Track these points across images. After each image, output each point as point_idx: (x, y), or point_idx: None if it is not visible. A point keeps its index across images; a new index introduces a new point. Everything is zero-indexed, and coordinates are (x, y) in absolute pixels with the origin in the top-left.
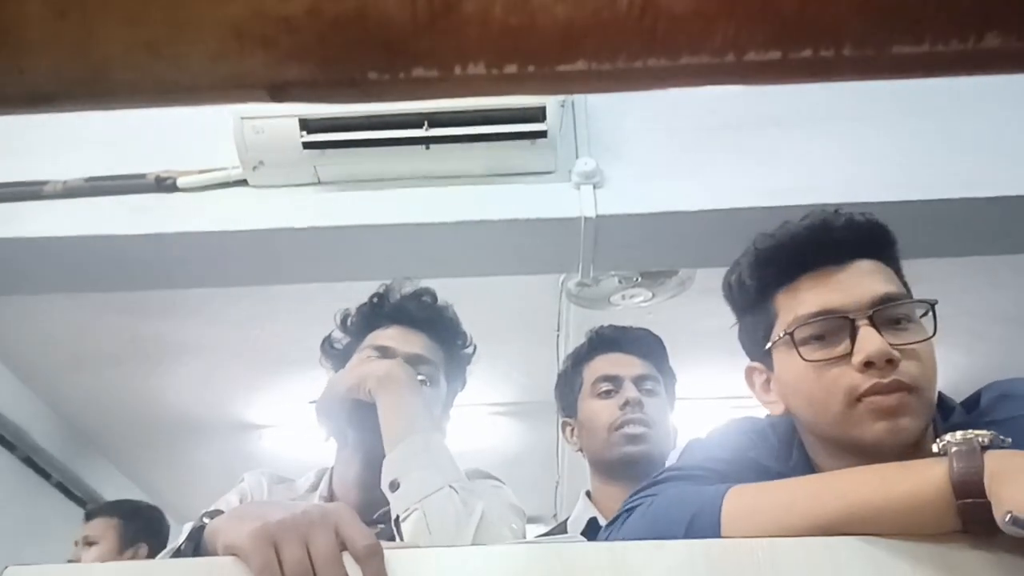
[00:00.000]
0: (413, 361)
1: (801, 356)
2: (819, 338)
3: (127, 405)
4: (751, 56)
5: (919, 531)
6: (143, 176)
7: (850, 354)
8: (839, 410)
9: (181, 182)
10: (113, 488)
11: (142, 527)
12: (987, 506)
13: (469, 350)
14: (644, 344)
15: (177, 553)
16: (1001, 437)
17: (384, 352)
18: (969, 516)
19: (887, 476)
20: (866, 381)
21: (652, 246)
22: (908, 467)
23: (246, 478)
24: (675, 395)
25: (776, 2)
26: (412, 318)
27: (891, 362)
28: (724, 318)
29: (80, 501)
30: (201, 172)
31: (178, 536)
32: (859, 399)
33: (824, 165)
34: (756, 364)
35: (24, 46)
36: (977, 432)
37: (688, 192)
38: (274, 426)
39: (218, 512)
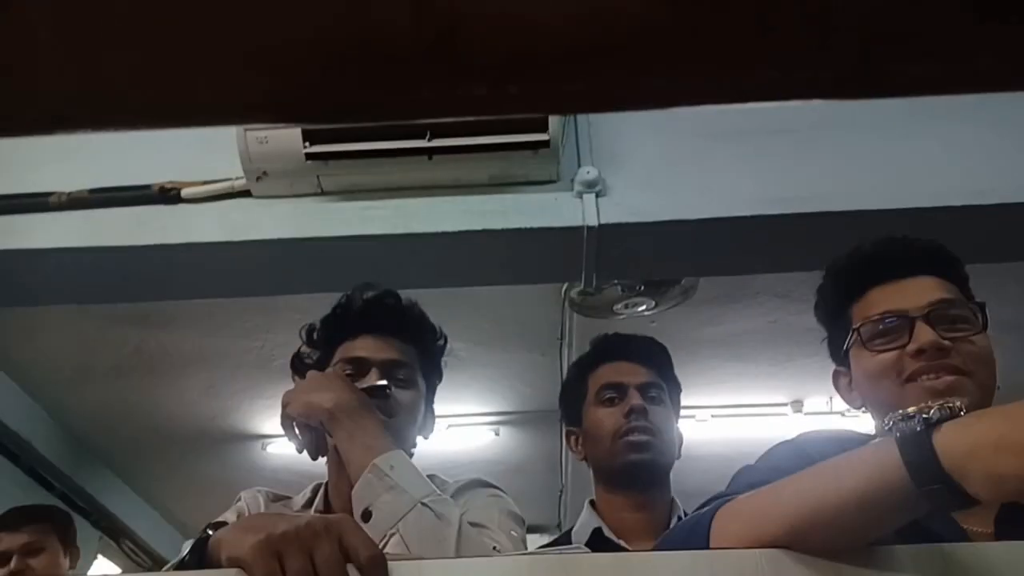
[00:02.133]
0: (389, 367)
1: (868, 349)
2: (884, 335)
3: (131, 416)
4: (751, 75)
5: (898, 521)
6: (147, 187)
7: (907, 345)
8: (895, 388)
9: (185, 193)
10: (117, 499)
11: (67, 530)
12: (956, 486)
13: (441, 342)
14: (649, 352)
15: (181, 565)
16: (952, 405)
17: (359, 364)
18: (939, 499)
19: (842, 473)
20: (916, 363)
21: (655, 255)
22: (861, 461)
23: (243, 496)
24: (680, 404)
25: (773, 21)
26: (379, 324)
27: (942, 350)
28: (727, 326)
29: (84, 512)
30: (205, 183)
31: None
32: (911, 378)
33: (825, 174)
34: (840, 368)
35: (34, 72)
36: (925, 405)
37: (691, 201)
38: (279, 436)
39: (222, 524)
